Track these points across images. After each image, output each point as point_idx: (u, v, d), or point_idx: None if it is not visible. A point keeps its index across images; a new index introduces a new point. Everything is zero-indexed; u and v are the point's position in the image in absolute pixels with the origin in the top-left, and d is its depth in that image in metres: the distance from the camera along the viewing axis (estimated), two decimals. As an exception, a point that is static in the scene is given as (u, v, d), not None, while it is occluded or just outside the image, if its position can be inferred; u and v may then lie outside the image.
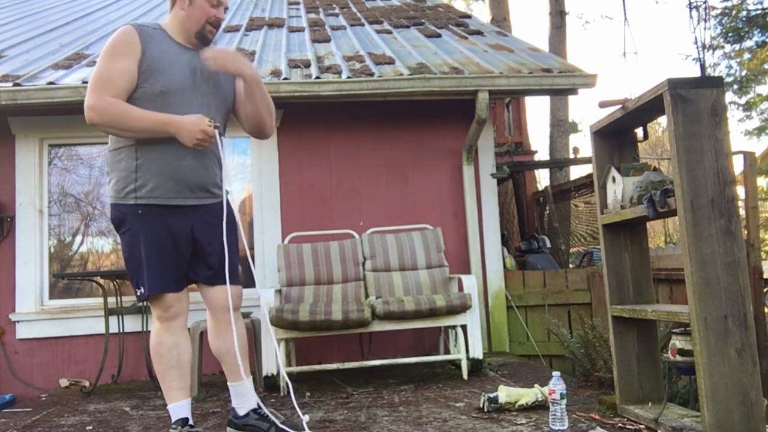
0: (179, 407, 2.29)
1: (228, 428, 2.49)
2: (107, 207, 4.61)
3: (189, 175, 2.27)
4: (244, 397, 2.43)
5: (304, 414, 2.34)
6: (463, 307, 3.49)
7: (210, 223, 2.33)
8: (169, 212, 2.26)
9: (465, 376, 3.51)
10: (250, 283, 3.69)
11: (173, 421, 2.29)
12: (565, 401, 2.40)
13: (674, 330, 2.43)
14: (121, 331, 4.00)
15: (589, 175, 6.45)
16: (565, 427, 2.37)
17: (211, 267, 2.34)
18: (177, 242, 2.28)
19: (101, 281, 4.08)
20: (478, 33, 5.89)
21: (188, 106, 2.23)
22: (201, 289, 2.40)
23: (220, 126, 2.29)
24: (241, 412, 2.43)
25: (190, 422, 2.30)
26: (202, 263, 2.34)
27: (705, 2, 8.06)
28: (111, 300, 4.02)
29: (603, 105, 2.57)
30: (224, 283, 2.33)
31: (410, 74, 4.27)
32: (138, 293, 2.27)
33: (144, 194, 2.23)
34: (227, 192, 2.40)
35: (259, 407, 2.40)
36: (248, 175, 4.63)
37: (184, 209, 2.29)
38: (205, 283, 2.37)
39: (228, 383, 2.46)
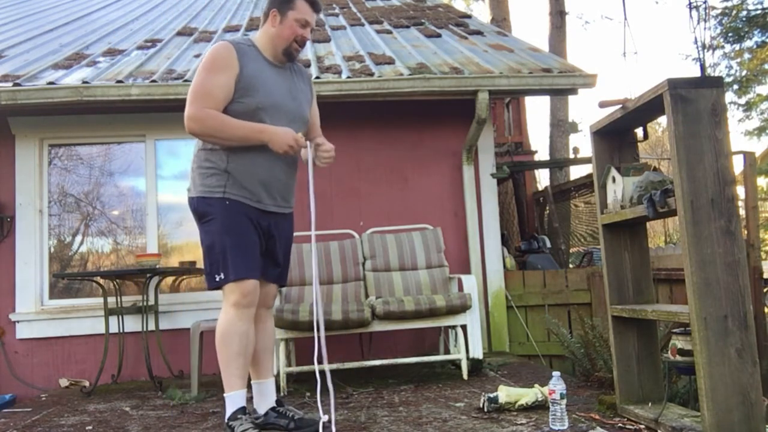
0: (239, 395, 2.34)
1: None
2: (107, 207, 4.65)
3: (276, 184, 2.43)
4: (265, 396, 2.51)
5: (323, 414, 2.34)
6: (463, 307, 3.49)
7: (283, 227, 2.52)
8: (252, 209, 2.39)
9: (465, 376, 3.51)
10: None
11: (234, 410, 2.31)
12: (565, 401, 2.40)
13: (674, 330, 2.43)
14: (121, 331, 4.00)
15: (589, 175, 6.45)
16: (565, 427, 2.37)
17: (278, 266, 2.53)
18: (259, 235, 2.40)
19: (101, 281, 4.07)
20: (478, 33, 5.89)
21: (278, 122, 2.38)
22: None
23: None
24: (261, 411, 2.50)
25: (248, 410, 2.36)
26: (271, 261, 2.49)
27: (705, 2, 8.05)
28: (111, 300, 4.01)
29: (603, 105, 2.57)
30: (277, 281, 2.54)
31: (410, 74, 4.27)
32: (217, 279, 2.32)
33: (231, 191, 2.35)
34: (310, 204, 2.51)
35: (278, 405, 2.49)
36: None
37: (265, 211, 2.43)
38: (269, 280, 2.51)
39: (252, 381, 2.51)
